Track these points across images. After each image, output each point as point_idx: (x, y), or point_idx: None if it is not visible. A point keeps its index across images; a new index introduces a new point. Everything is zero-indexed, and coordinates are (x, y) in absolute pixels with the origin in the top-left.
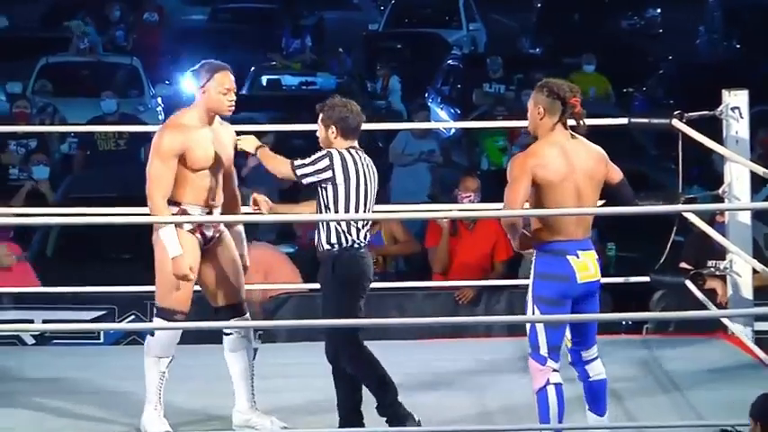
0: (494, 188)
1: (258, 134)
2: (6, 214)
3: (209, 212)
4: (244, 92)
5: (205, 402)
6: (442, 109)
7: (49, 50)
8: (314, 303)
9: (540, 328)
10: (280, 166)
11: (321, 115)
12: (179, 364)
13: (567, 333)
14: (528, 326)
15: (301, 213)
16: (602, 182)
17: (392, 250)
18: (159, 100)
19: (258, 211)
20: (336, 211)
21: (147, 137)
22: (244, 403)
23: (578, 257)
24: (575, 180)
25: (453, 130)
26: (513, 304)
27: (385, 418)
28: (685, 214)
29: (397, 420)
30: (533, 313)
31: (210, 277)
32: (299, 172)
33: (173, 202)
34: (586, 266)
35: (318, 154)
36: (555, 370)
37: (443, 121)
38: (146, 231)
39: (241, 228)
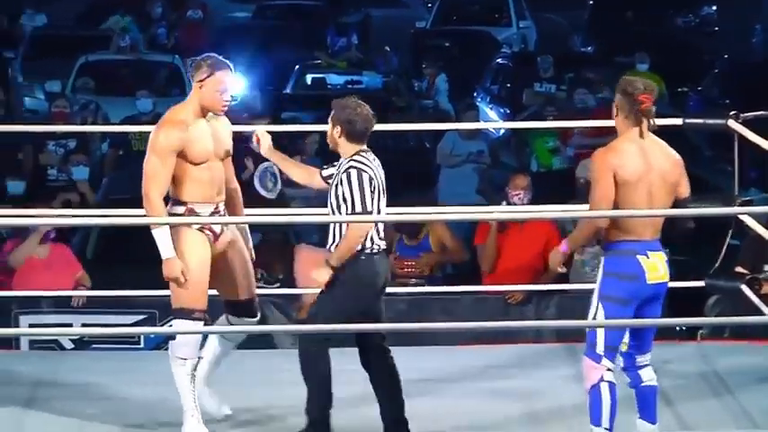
0: (543, 190)
1: (303, 134)
2: (40, 215)
3: (216, 207)
4: (288, 91)
5: (244, 407)
6: (491, 109)
7: (88, 49)
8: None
9: (599, 331)
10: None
11: (332, 112)
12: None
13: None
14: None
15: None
16: (676, 186)
17: (440, 258)
18: None
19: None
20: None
21: None
22: (200, 382)
23: (648, 258)
24: (649, 180)
25: (502, 131)
26: (564, 308)
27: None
28: (742, 217)
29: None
30: (596, 312)
31: (223, 274)
32: (359, 210)
33: (179, 201)
34: (656, 267)
35: (364, 179)
36: (609, 369)
37: (492, 121)
38: None
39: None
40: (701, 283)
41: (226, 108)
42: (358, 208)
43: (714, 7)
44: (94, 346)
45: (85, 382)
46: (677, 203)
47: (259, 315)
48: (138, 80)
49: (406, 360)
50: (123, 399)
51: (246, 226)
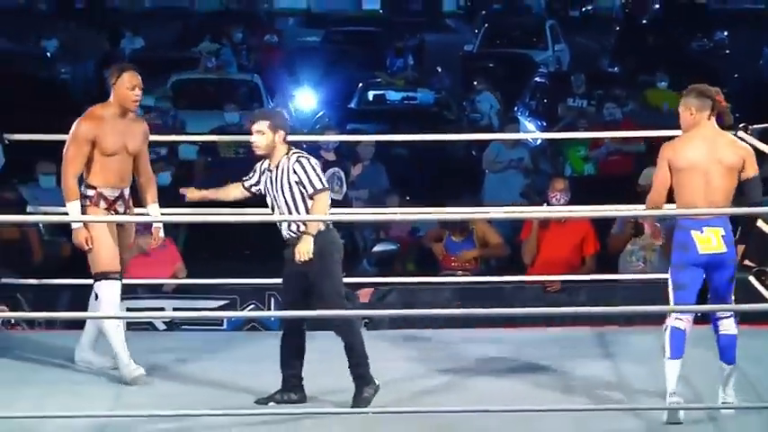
0: (576, 193)
1: (363, 143)
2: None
3: (120, 193)
4: (352, 105)
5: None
6: (529, 121)
7: (179, 69)
8: (414, 294)
9: (670, 291)
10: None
11: (267, 122)
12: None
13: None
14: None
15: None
16: (737, 170)
17: (482, 253)
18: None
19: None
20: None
21: None
22: (86, 344)
23: (702, 232)
24: (704, 167)
25: (540, 141)
26: (595, 296)
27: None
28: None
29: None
30: (671, 277)
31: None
32: (320, 187)
33: (90, 185)
34: (709, 240)
35: (314, 163)
36: (678, 319)
37: (531, 132)
38: (264, 230)
39: (158, 212)
40: None
41: (137, 103)
42: (319, 185)
43: (726, 33)
44: (183, 327)
45: (175, 358)
46: (743, 183)
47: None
48: (223, 96)
49: (453, 340)
50: (208, 373)
51: (157, 210)
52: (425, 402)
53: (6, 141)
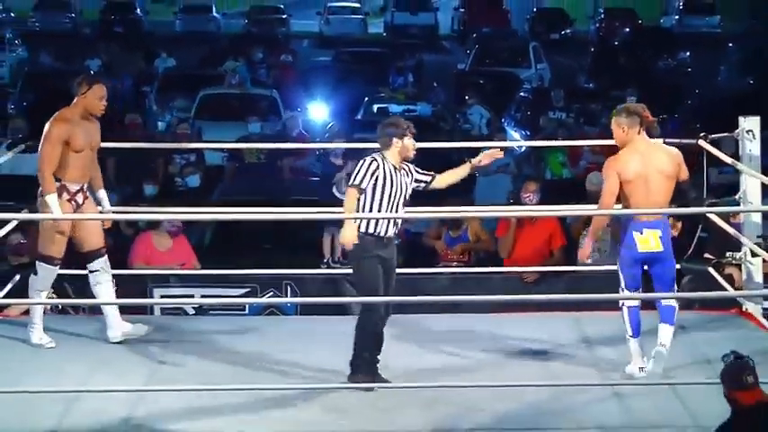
0: (554, 194)
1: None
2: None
3: (81, 186)
4: (359, 117)
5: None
6: (515, 131)
7: (206, 85)
8: (411, 284)
9: (621, 276)
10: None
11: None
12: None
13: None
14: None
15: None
16: (675, 175)
17: (475, 247)
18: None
19: None
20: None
21: (282, 153)
22: (118, 324)
23: (642, 234)
24: (646, 176)
25: (524, 148)
26: (572, 285)
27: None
28: (709, 215)
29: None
30: (620, 269)
31: (80, 231)
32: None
33: (56, 178)
34: (647, 240)
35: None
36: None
37: (516, 141)
38: (285, 225)
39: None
40: (677, 266)
41: (103, 111)
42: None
43: (688, 53)
44: (211, 312)
45: (204, 340)
46: (679, 185)
47: (103, 260)
48: (245, 109)
49: (447, 323)
50: (233, 353)
51: (105, 198)
52: (418, 378)
53: None
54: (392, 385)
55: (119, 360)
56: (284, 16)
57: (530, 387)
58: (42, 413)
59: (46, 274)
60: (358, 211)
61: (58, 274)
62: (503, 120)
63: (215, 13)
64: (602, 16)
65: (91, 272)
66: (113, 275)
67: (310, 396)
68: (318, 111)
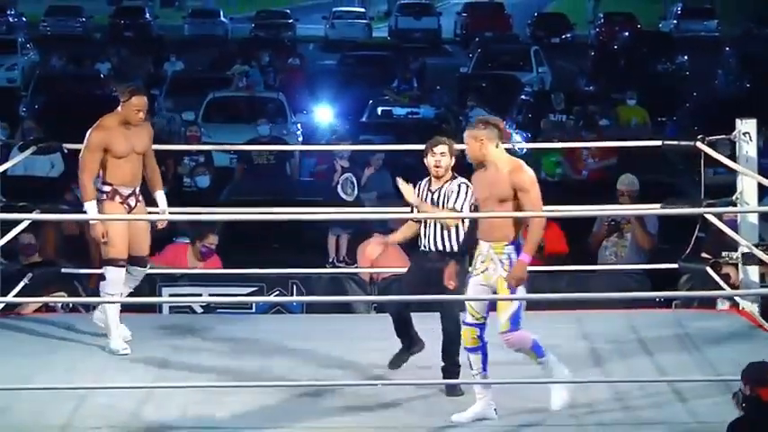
0: (548, 194)
1: (372, 152)
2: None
3: (133, 190)
4: (363, 119)
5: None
6: (516, 133)
7: (214, 88)
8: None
9: (515, 305)
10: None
11: (448, 147)
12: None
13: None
14: (516, 305)
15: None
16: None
17: None
18: (299, 126)
19: None
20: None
21: (291, 154)
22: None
23: None
24: None
25: (525, 150)
26: (577, 284)
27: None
28: (706, 215)
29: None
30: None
31: (130, 236)
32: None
33: (107, 183)
34: None
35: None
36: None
37: (518, 142)
38: (291, 226)
39: (164, 198)
40: (675, 266)
41: (140, 121)
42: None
43: (686, 57)
44: (219, 310)
45: (212, 337)
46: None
47: (141, 270)
48: (253, 112)
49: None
50: (240, 349)
51: (163, 199)
52: (423, 374)
53: (65, 150)
54: (397, 382)
55: (129, 358)
56: (290, 21)
57: (533, 384)
58: (54, 410)
59: (113, 277)
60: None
61: (68, 273)
62: (504, 122)
63: (223, 18)
64: (602, 21)
65: (127, 273)
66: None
67: (318, 393)
68: (324, 113)
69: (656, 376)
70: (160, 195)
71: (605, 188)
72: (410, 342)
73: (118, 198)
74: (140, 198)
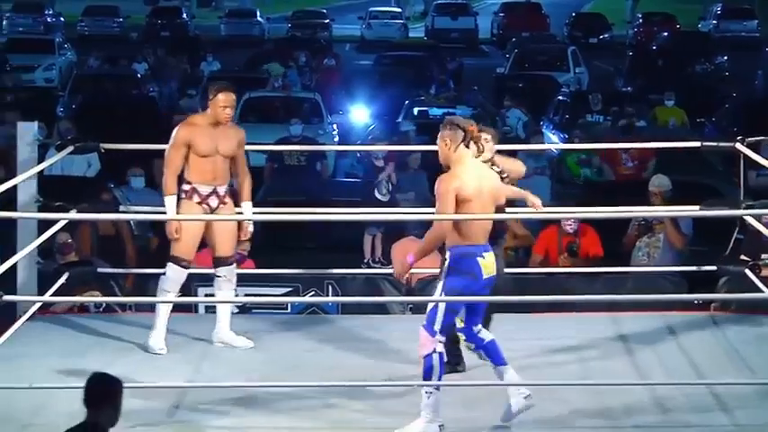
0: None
1: (408, 153)
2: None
3: (213, 189)
4: (399, 120)
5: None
6: (553, 134)
7: (250, 87)
8: None
9: (441, 309)
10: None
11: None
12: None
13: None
14: (431, 304)
15: None
16: (498, 197)
17: (515, 243)
18: (335, 126)
19: None
20: None
21: (323, 155)
22: (224, 327)
23: (484, 258)
24: (482, 197)
25: (559, 151)
26: (611, 286)
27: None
28: (745, 217)
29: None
30: (447, 302)
31: (213, 235)
32: None
33: (186, 181)
34: (490, 265)
35: None
36: (441, 342)
37: (554, 143)
38: (326, 226)
39: (250, 209)
40: (713, 268)
41: (228, 119)
42: None
43: (725, 57)
44: (254, 311)
45: (247, 338)
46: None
47: (229, 268)
48: (288, 111)
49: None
50: (276, 351)
51: (249, 207)
52: (457, 376)
53: (102, 150)
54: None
55: (163, 358)
56: (326, 21)
57: (569, 386)
58: None
59: (173, 275)
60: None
61: (104, 272)
62: (541, 123)
63: (259, 18)
64: (641, 21)
65: (215, 276)
66: (162, 274)
67: (352, 394)
68: (360, 114)
69: (694, 379)
70: (246, 206)
71: (637, 189)
72: (456, 360)
73: (196, 197)
74: (226, 199)
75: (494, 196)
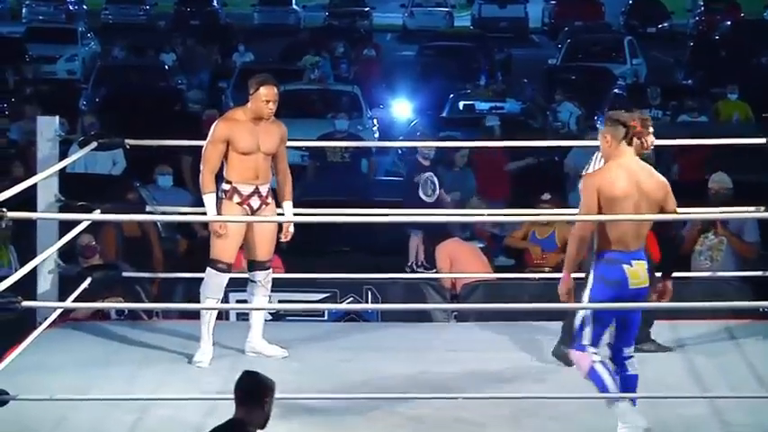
0: None
1: (456, 148)
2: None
3: (255, 188)
4: (444, 114)
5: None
6: None
7: (285, 80)
8: (500, 290)
9: (587, 323)
10: None
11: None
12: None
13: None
14: (577, 322)
15: None
16: (661, 203)
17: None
18: (375, 121)
19: None
20: None
21: (368, 151)
22: (256, 335)
23: (632, 266)
24: (635, 198)
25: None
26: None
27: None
28: None
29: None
30: (591, 311)
31: (252, 237)
32: None
33: (226, 180)
34: (638, 274)
35: None
36: (595, 353)
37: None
38: (364, 229)
39: (291, 209)
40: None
41: (271, 114)
42: None
43: None
44: (288, 318)
45: (280, 347)
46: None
47: (265, 273)
48: (325, 105)
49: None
50: (310, 360)
51: (290, 208)
52: (505, 388)
53: (128, 146)
54: (478, 396)
55: (191, 367)
56: (366, 9)
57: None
58: (114, 422)
59: (212, 280)
60: None
61: (129, 277)
62: (596, 117)
63: (294, 6)
64: (702, 9)
65: (251, 281)
66: (189, 279)
67: (392, 407)
68: (402, 108)
69: (758, 391)
70: (287, 206)
71: (696, 188)
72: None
73: (236, 197)
74: (269, 200)
75: (653, 198)
